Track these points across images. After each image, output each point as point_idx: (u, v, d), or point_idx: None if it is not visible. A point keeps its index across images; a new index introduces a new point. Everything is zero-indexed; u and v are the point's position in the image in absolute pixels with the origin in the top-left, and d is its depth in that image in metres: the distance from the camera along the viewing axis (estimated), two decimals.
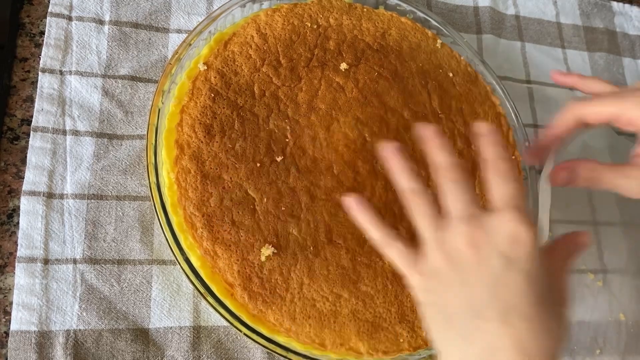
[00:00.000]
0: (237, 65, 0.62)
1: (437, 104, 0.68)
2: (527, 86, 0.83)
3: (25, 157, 0.59)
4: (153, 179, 0.56)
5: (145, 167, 0.57)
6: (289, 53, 0.64)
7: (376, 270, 0.59)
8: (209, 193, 0.56)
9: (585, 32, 0.91)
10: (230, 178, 0.57)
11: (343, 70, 0.65)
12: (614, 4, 0.94)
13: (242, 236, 0.56)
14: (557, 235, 0.57)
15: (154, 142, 0.57)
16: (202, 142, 0.58)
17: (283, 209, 0.58)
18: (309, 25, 0.66)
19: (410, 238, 0.49)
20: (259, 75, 0.62)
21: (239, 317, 0.54)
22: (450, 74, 0.70)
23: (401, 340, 0.58)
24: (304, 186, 0.59)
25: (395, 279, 0.59)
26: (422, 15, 0.73)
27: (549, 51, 0.87)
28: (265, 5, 0.67)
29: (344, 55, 0.66)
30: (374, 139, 0.63)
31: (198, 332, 0.58)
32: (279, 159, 0.59)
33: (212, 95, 0.59)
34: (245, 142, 0.59)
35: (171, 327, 0.58)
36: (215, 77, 0.60)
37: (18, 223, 0.57)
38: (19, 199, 0.58)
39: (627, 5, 0.95)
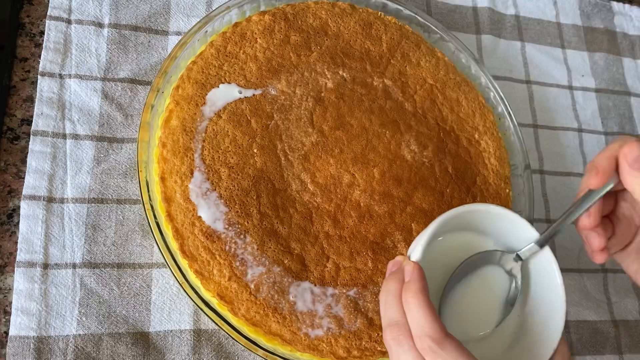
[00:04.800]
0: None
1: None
2: (527, 86, 0.83)
3: (25, 157, 0.59)
4: (143, 178, 0.57)
5: (136, 165, 0.57)
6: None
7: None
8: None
9: (585, 32, 0.90)
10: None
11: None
12: (614, 4, 0.94)
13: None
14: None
15: (147, 140, 0.58)
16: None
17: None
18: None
19: None
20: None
21: (235, 326, 0.55)
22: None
23: None
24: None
25: None
26: (422, 20, 0.73)
27: (549, 51, 0.87)
28: (263, 7, 0.67)
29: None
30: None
31: (199, 336, 0.58)
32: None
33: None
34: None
35: (171, 331, 0.58)
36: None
37: (18, 223, 0.57)
38: (19, 199, 0.58)
39: (627, 5, 0.95)
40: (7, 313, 0.55)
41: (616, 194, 0.54)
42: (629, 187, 0.47)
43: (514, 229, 0.53)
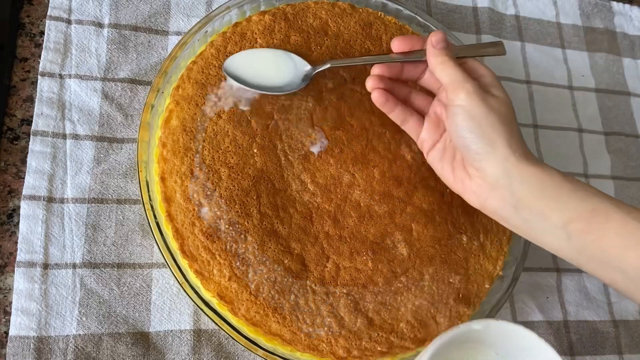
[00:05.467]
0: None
1: None
2: (527, 86, 0.83)
3: (25, 157, 0.59)
4: (143, 178, 0.57)
5: (136, 165, 0.57)
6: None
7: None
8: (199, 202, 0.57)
9: (585, 32, 0.90)
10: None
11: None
12: (614, 4, 0.94)
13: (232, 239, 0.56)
14: None
15: (147, 140, 0.58)
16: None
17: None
18: None
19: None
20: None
21: (234, 326, 0.55)
22: None
23: None
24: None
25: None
26: (422, 20, 0.73)
27: (548, 51, 0.87)
28: (263, 7, 0.67)
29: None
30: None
31: (199, 336, 0.58)
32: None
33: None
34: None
35: (171, 331, 0.58)
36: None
37: (18, 223, 0.57)
38: (19, 199, 0.58)
39: (627, 6, 0.95)
40: (7, 313, 0.55)
41: (434, 96, 0.60)
42: (430, 65, 0.55)
43: (515, 338, 0.52)
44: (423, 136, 0.59)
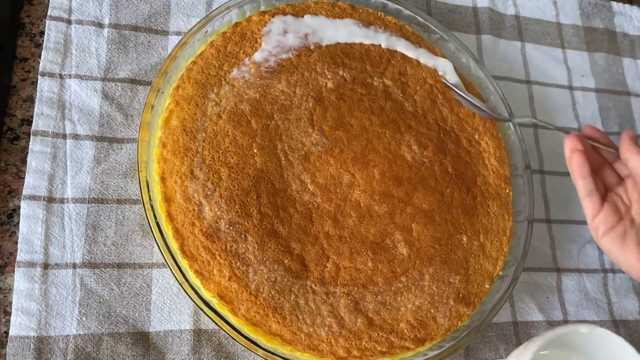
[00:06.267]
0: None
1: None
2: (527, 86, 0.83)
3: (26, 157, 0.59)
4: (143, 178, 0.57)
5: (136, 165, 0.57)
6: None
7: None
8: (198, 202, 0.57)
9: (585, 32, 0.90)
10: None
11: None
12: (614, 4, 0.94)
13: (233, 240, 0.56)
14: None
15: (147, 140, 0.58)
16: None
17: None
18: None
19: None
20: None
21: (234, 325, 0.55)
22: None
23: None
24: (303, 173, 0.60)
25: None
26: (422, 20, 0.73)
27: (548, 51, 0.87)
28: (263, 7, 0.67)
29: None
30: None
31: (199, 336, 0.58)
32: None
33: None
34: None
35: (171, 331, 0.58)
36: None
37: (18, 223, 0.57)
38: (19, 199, 0.58)
39: (627, 5, 0.95)
40: (7, 313, 0.55)
41: (608, 191, 0.63)
42: (627, 153, 0.59)
43: (613, 349, 0.55)
44: (600, 218, 0.61)
